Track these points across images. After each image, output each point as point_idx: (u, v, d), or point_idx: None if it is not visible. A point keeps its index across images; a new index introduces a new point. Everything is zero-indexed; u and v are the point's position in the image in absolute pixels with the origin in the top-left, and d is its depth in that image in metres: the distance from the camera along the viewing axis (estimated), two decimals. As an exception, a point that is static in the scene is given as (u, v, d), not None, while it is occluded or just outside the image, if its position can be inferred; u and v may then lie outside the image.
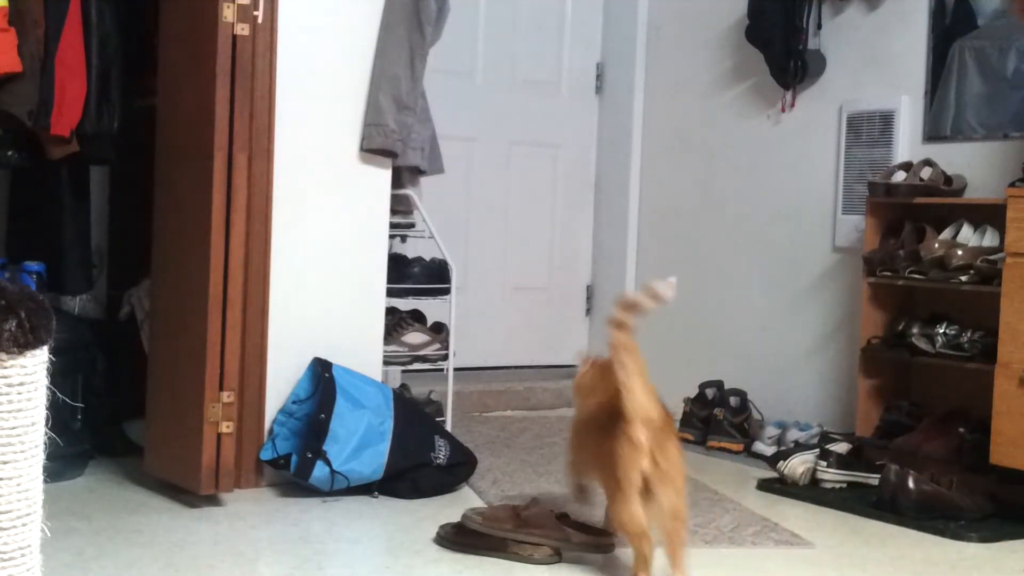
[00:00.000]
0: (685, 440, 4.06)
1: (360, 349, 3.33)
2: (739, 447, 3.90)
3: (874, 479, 3.28)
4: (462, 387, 4.29)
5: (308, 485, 3.05)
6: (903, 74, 3.84)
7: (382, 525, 2.91)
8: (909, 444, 3.42)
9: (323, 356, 3.21)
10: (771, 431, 3.84)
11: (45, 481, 1.30)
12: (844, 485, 3.35)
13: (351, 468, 3.04)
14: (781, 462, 3.43)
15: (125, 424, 3.47)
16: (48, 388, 1.27)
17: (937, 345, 3.41)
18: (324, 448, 3.03)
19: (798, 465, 3.39)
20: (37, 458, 1.27)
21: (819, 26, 4.07)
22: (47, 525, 1.30)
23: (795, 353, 4.14)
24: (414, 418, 3.24)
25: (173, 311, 3.09)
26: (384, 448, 3.09)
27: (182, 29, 3.09)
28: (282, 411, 3.16)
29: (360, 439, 3.07)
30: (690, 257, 4.57)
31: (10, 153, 3.18)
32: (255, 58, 3.04)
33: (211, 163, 2.93)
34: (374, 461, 3.08)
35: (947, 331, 3.41)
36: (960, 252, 3.34)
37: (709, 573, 2.58)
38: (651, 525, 2.36)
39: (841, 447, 3.42)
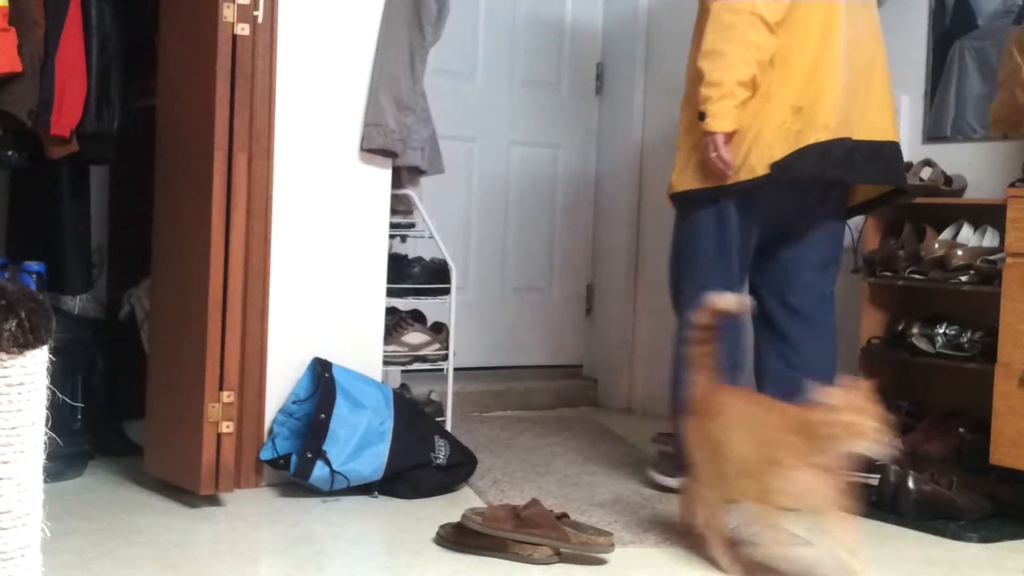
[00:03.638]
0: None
1: (360, 349, 3.33)
2: (739, 447, 3.90)
3: (874, 479, 3.28)
4: (462, 387, 4.29)
5: (308, 485, 3.05)
6: (903, 74, 3.83)
7: (382, 525, 2.91)
8: (909, 444, 3.42)
9: (323, 356, 3.21)
10: (771, 431, 3.84)
11: (45, 481, 1.30)
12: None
13: (351, 468, 3.04)
14: (781, 462, 3.43)
15: (125, 424, 3.48)
16: (48, 388, 1.27)
17: (937, 345, 3.41)
18: (324, 448, 3.03)
19: (798, 465, 3.39)
20: (37, 458, 1.27)
21: None
22: (47, 525, 1.30)
23: (795, 353, 4.14)
24: (414, 418, 3.24)
25: (173, 311, 3.09)
26: (384, 448, 3.09)
27: (182, 29, 3.09)
28: (282, 411, 3.17)
29: (360, 439, 3.07)
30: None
31: (10, 153, 3.18)
32: (255, 58, 3.04)
33: (211, 163, 2.93)
34: (374, 461, 3.08)
35: (947, 331, 3.41)
36: (960, 252, 3.34)
37: (709, 573, 2.58)
38: None
39: (841, 447, 3.42)
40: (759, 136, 3.02)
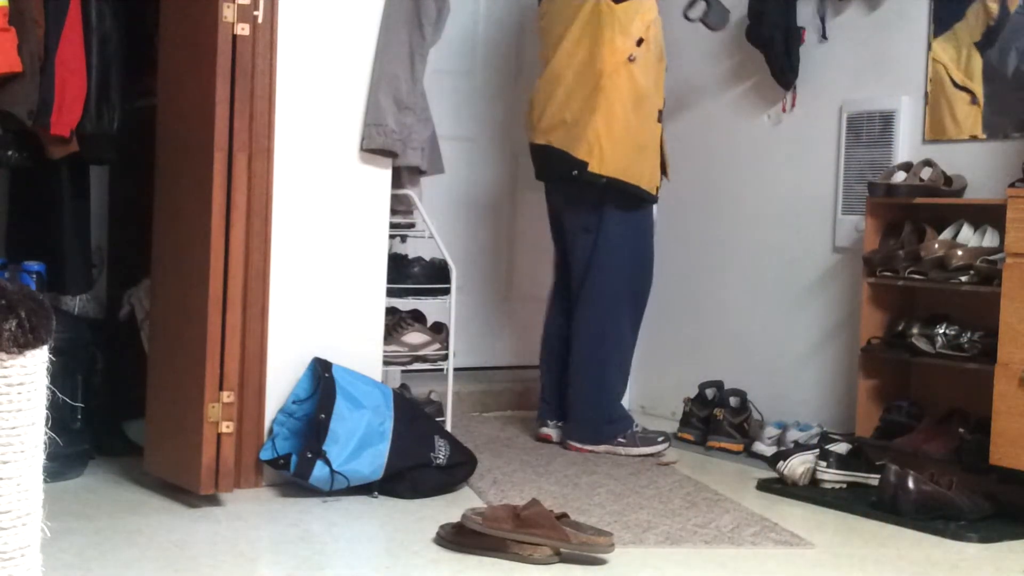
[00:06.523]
0: (685, 440, 4.06)
1: (360, 349, 3.33)
2: (739, 447, 3.90)
3: (874, 479, 3.28)
4: (462, 387, 4.29)
5: (308, 485, 3.05)
6: (903, 74, 3.84)
7: (382, 525, 2.91)
8: (909, 444, 3.42)
9: (323, 356, 3.21)
10: (771, 431, 3.85)
11: (45, 481, 1.29)
12: (844, 485, 3.35)
13: (351, 468, 3.04)
14: (781, 462, 3.43)
15: (125, 424, 3.47)
16: (48, 388, 1.27)
17: (937, 345, 3.41)
18: (324, 448, 3.03)
19: (798, 465, 3.39)
20: (37, 458, 1.27)
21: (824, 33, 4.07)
22: (47, 525, 1.30)
23: (795, 353, 4.15)
24: (414, 418, 3.24)
25: (173, 311, 3.09)
26: (384, 448, 3.09)
27: (182, 29, 3.09)
28: (282, 411, 3.17)
29: (360, 439, 3.07)
30: (690, 257, 4.57)
31: (10, 153, 3.18)
32: (255, 58, 3.04)
33: (211, 163, 2.93)
34: (374, 461, 3.08)
35: (947, 331, 3.41)
36: (960, 252, 3.34)
37: (709, 573, 2.58)
38: None
39: (841, 447, 3.42)
40: None
